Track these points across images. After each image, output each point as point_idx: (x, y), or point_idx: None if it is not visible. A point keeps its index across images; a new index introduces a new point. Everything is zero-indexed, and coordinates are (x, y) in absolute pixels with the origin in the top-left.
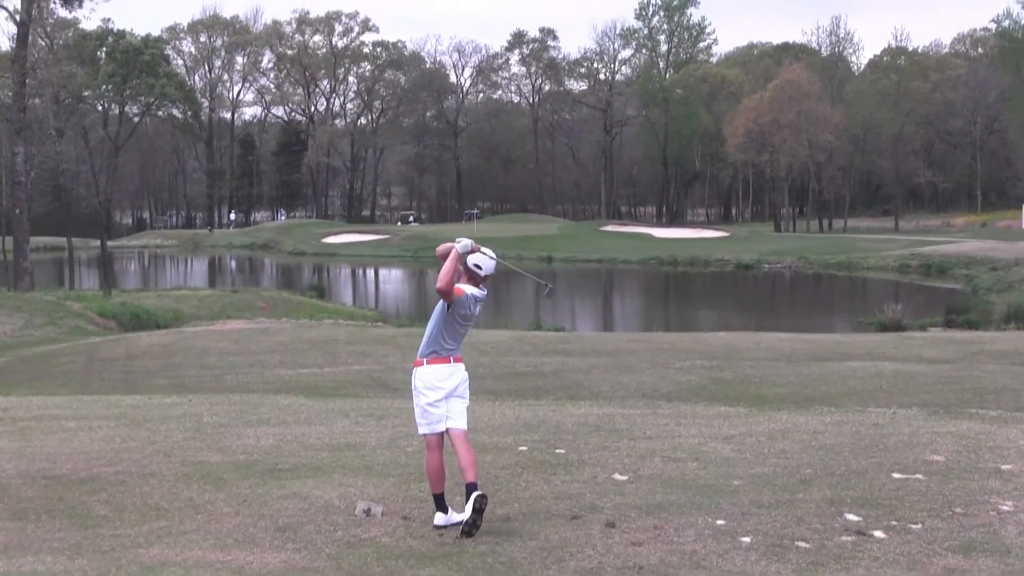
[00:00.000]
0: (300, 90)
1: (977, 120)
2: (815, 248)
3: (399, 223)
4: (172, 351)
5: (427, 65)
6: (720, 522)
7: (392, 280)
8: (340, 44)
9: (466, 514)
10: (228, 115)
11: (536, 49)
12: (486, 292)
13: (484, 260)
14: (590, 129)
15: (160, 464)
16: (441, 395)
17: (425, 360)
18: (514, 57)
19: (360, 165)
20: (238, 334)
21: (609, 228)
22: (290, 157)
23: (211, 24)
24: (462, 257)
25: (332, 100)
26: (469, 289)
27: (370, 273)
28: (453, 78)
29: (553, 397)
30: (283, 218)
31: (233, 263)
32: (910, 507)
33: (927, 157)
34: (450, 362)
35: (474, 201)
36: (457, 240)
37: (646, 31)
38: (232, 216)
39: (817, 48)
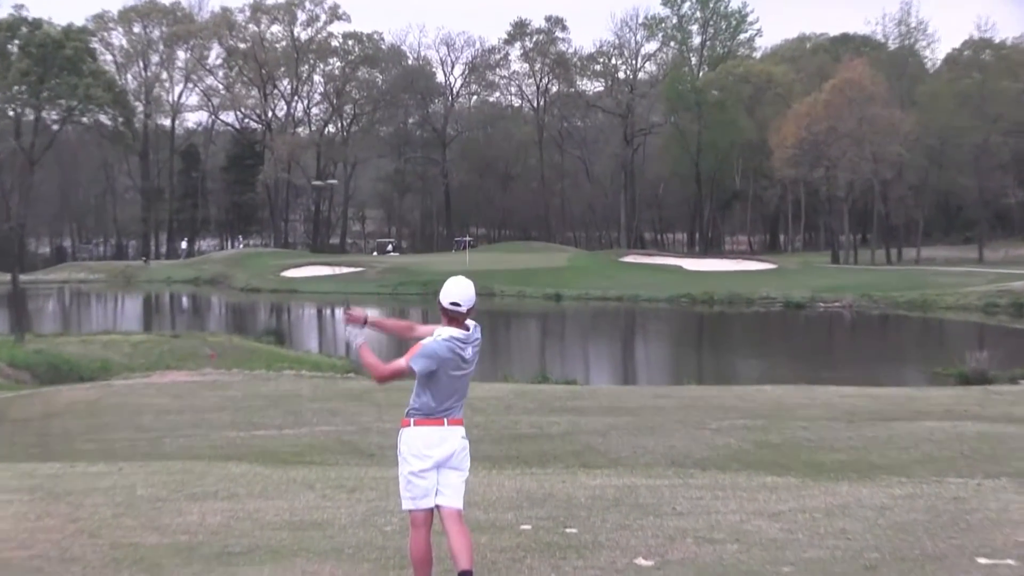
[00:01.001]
0: (255, 92)
1: None
2: (881, 283)
3: (375, 253)
4: (99, 409)
5: (409, 61)
6: None
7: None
8: (303, 36)
9: None
10: (168, 122)
11: (541, 42)
12: (477, 329)
13: (459, 292)
14: (607, 139)
15: (84, 547)
16: (429, 464)
17: (412, 420)
18: (515, 52)
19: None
20: (180, 388)
21: (630, 259)
22: (242, 173)
23: (147, 12)
24: (403, 329)
25: (294, 104)
26: (446, 332)
27: (340, 314)
28: (441, 77)
29: (563, 464)
30: (237, 246)
31: (174, 301)
32: None
33: (1017, 173)
34: (443, 424)
35: (466, 226)
36: (350, 333)
37: (675, 20)
38: (184, 245)
39: (883, 41)
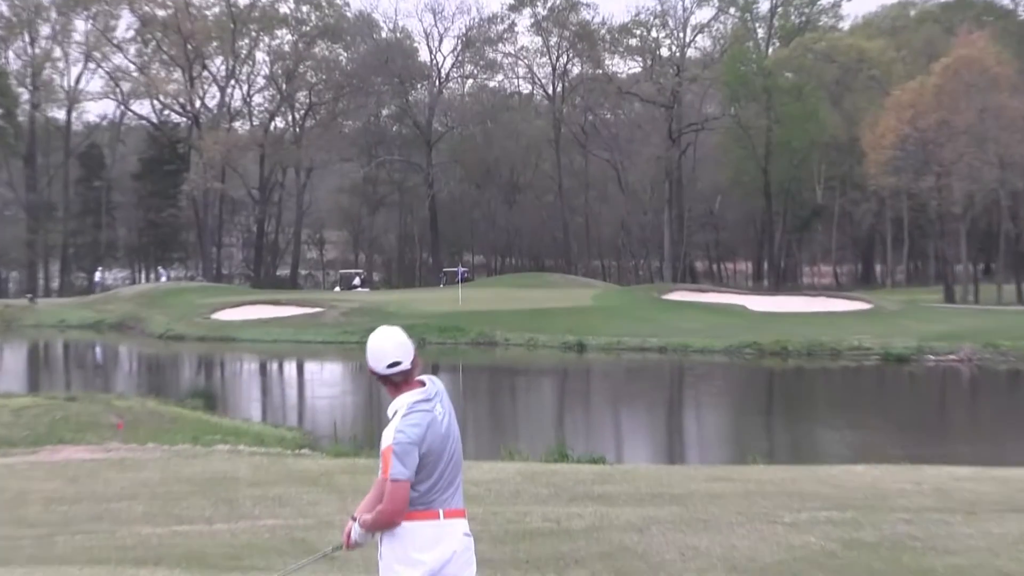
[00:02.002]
0: (178, 74)
1: None
2: (1011, 329)
3: (337, 289)
4: None
5: (383, 34)
6: None
7: (328, 381)
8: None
9: None
10: (62, 115)
11: (559, 8)
12: (435, 382)
13: (394, 347)
14: (646, 137)
15: None
16: (420, 572)
17: None
18: (523, 20)
19: (275, 195)
20: (76, 469)
21: (677, 296)
22: (161, 182)
23: None
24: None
25: (230, 90)
26: (403, 403)
27: (291, 369)
28: (425, 55)
29: (587, 571)
30: (155, 279)
31: (69, 353)
32: None
33: None
34: (439, 518)
35: (458, 253)
36: (358, 537)
37: None
38: (99, 276)
39: (1011, 7)
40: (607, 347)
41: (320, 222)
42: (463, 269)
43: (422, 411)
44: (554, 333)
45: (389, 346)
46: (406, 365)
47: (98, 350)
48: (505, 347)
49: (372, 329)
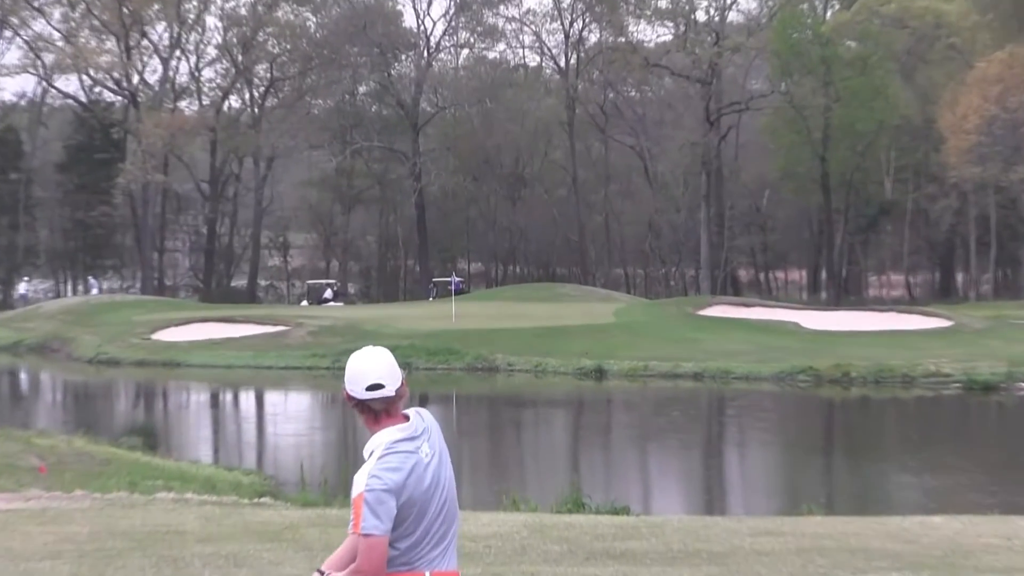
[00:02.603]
0: (112, 43)
1: None
2: None
3: (305, 303)
4: None
5: None
6: None
7: (293, 414)
8: None
9: None
10: None
11: None
12: (422, 415)
13: (376, 367)
14: (678, 119)
15: None
16: None
17: None
18: None
19: (229, 190)
20: None
21: (716, 311)
22: (92, 174)
23: None
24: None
25: (175, 63)
26: (381, 442)
27: (248, 400)
28: (411, 19)
29: None
30: (92, 291)
31: None
32: None
33: None
34: None
35: (451, 259)
36: None
37: None
38: (23, 288)
39: None
40: (631, 373)
41: (284, 223)
42: (457, 279)
43: (403, 452)
44: (567, 356)
45: (371, 365)
46: (389, 391)
47: (15, 377)
48: (508, 373)
49: (347, 352)
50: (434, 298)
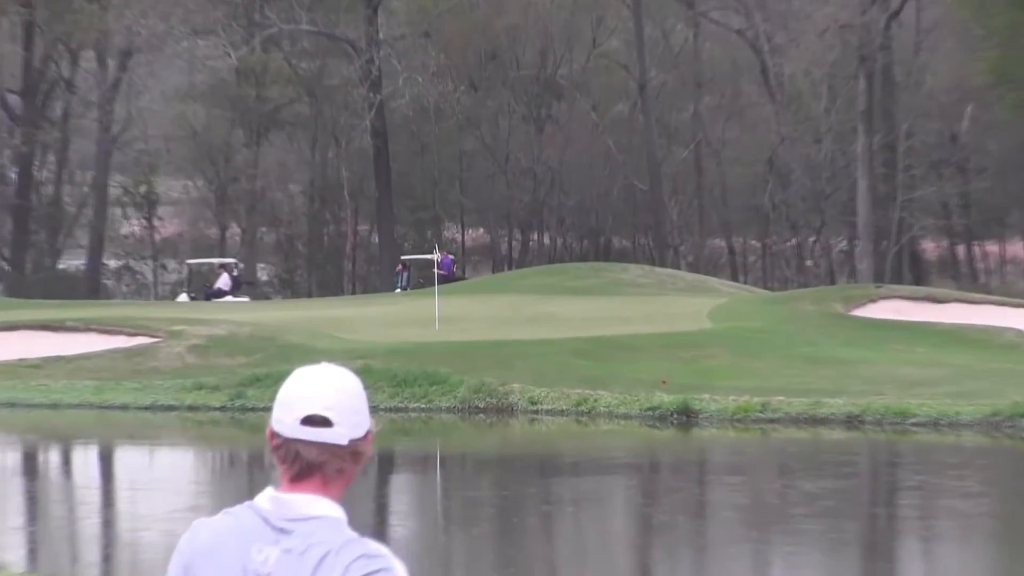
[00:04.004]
0: None
1: None
2: None
3: (185, 295)
4: None
5: None
6: None
7: (167, 485)
8: None
9: None
10: None
11: None
12: (314, 532)
13: (327, 396)
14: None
15: None
16: None
17: None
18: None
19: (55, 106)
20: None
21: (882, 310)
22: None
23: None
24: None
25: None
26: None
27: (86, 464)
28: None
29: None
30: None
31: None
32: None
33: None
34: None
35: (432, 226)
36: None
37: None
38: None
39: None
40: (739, 416)
41: (149, 163)
42: (443, 257)
43: (216, 529)
44: (630, 388)
45: (318, 387)
46: (338, 435)
47: None
48: (530, 417)
49: (256, 382)
50: (404, 289)
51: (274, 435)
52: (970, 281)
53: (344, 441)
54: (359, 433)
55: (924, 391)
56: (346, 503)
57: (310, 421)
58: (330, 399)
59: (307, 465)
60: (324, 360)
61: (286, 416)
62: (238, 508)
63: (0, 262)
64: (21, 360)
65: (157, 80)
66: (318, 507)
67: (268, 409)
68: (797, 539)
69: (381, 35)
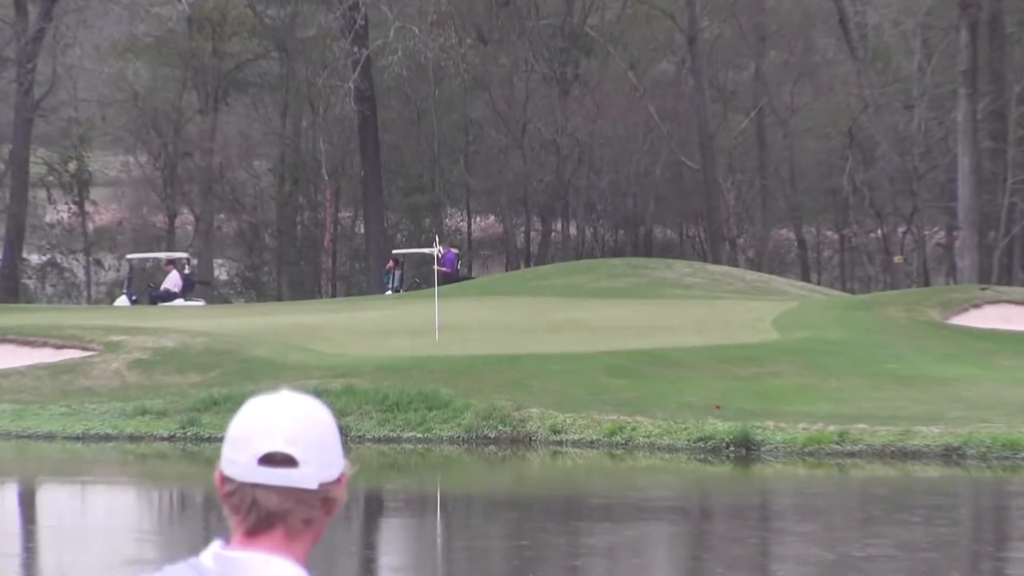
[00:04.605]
0: None
1: None
2: None
3: (124, 299)
4: None
5: None
6: None
7: (104, 531)
8: None
9: None
10: None
11: None
12: None
13: (286, 427)
14: None
15: None
16: None
17: None
18: None
19: None
20: None
21: (988, 318)
22: None
23: None
24: None
25: None
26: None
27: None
28: None
29: None
30: None
31: None
32: None
33: None
34: None
35: (431, 212)
36: None
37: None
38: None
39: None
40: (811, 447)
41: (79, 134)
42: (444, 251)
43: None
44: (677, 413)
45: (277, 419)
46: (305, 477)
47: None
48: (553, 449)
49: (212, 405)
50: (396, 290)
51: (225, 479)
52: None
53: (313, 484)
54: (331, 475)
55: None
56: (317, 562)
57: (270, 460)
58: (294, 432)
59: (266, 515)
60: (294, 381)
61: (239, 455)
62: (178, 567)
63: None
64: None
65: (90, 31)
66: (276, 569)
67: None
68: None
69: None
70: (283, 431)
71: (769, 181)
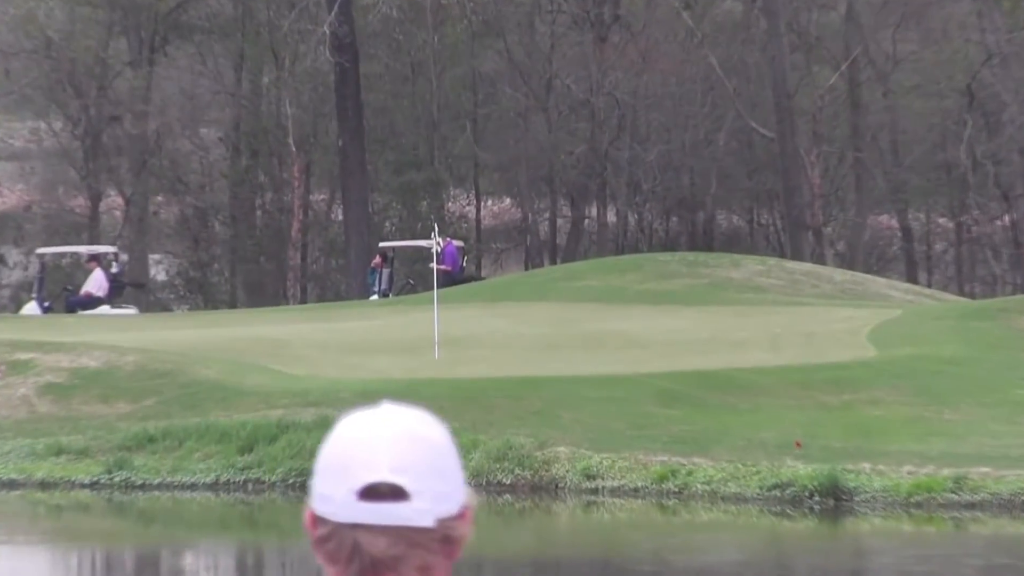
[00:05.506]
0: None
1: None
2: None
3: (34, 305)
4: None
5: None
6: None
7: None
8: None
9: None
10: None
11: None
12: None
13: (393, 456)
14: None
15: None
16: None
17: None
18: None
19: None
20: None
21: None
22: None
23: None
24: None
25: None
26: None
27: None
28: None
29: None
30: None
31: None
32: None
33: None
34: None
35: (430, 194)
36: None
37: None
38: None
39: None
40: (919, 496)
41: None
42: (445, 244)
43: None
44: (743, 450)
45: (378, 441)
46: (417, 514)
47: None
48: (586, 496)
49: (143, 441)
50: (384, 294)
51: (317, 520)
52: None
53: (429, 521)
54: (450, 509)
55: None
56: None
57: (373, 494)
58: (402, 457)
59: (371, 563)
60: (251, 411)
61: (334, 489)
62: None
63: None
64: None
65: None
66: None
67: (166, 486)
68: None
69: None
70: (388, 456)
71: (865, 153)
